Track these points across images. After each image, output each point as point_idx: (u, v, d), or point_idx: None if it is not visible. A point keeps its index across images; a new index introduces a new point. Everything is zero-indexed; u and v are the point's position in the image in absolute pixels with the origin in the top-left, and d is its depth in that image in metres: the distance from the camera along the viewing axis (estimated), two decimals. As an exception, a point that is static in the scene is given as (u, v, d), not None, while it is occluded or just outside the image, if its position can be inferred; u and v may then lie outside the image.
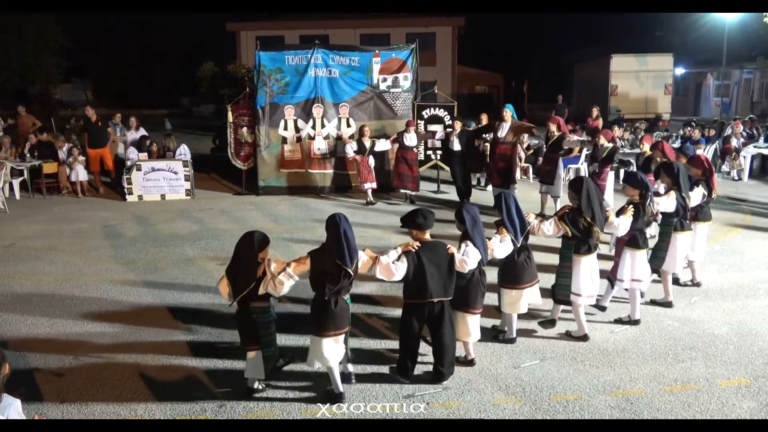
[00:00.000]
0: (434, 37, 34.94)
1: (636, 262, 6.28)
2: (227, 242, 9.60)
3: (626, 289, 6.47)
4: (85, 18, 35.78)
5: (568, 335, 6.13)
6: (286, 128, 13.03)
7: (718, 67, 29.44)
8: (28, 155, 13.40)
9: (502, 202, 5.69)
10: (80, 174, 13.25)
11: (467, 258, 5.13)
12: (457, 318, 5.36)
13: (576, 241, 5.82)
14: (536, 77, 49.57)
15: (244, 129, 13.23)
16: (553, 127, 10.62)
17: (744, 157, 14.85)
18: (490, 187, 12.29)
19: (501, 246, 5.54)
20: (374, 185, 12.26)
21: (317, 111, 13.00)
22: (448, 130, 12.45)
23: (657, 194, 6.81)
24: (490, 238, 5.50)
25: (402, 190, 12.33)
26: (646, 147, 9.25)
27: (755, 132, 16.47)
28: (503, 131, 11.25)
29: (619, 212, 6.02)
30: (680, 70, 33.14)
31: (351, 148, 12.16)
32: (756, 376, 5.33)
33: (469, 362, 5.56)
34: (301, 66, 12.92)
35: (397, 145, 12.17)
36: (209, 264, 8.56)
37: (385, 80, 13.16)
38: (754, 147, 15.34)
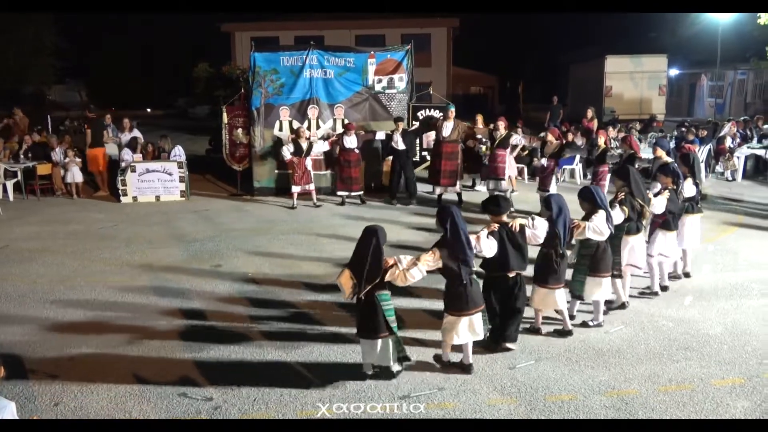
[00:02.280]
0: (429, 38, 34.92)
1: (666, 241, 7.16)
2: (222, 243, 9.59)
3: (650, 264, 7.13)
4: (80, 19, 35.63)
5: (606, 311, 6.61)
6: (281, 129, 13.01)
7: (711, 68, 29.53)
8: (22, 157, 13.35)
9: (594, 193, 6.13)
10: (75, 175, 13.20)
11: (536, 231, 5.67)
12: (536, 291, 6.07)
13: (628, 222, 6.48)
14: (531, 78, 49.60)
15: (239, 130, 13.20)
16: (501, 126, 11.59)
17: (738, 157, 14.91)
18: (445, 188, 11.86)
19: (599, 220, 5.95)
20: (310, 187, 12.07)
21: (312, 112, 12.98)
22: (390, 130, 12.35)
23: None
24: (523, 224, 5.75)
25: (344, 193, 12.25)
26: (601, 141, 10.64)
27: (748, 133, 16.52)
28: (447, 130, 11.64)
29: (656, 195, 6.91)
30: (674, 71, 33.22)
31: (288, 150, 11.93)
32: (750, 375, 5.35)
33: (568, 332, 6.13)
34: (296, 67, 12.91)
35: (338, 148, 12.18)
36: (204, 265, 8.54)
37: (380, 81, 13.15)
38: (748, 147, 15.40)
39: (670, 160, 8.56)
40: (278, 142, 12.72)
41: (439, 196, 11.92)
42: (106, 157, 13.82)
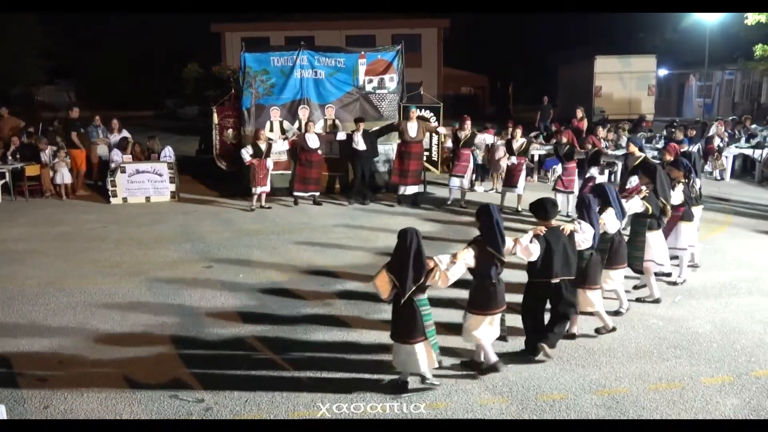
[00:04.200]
0: (420, 38, 34.97)
1: (689, 231, 7.55)
2: (212, 245, 9.55)
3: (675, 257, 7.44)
4: (68, 19, 35.39)
5: (639, 300, 6.96)
6: (272, 130, 12.97)
7: (700, 69, 29.76)
8: (10, 158, 13.24)
9: (606, 190, 6.30)
10: (65, 176, 13.10)
11: (585, 234, 5.64)
12: (579, 294, 5.94)
13: (650, 218, 6.75)
14: (521, 79, 49.78)
15: (230, 131, 13.16)
16: (467, 126, 11.91)
17: (726, 157, 15.02)
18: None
19: (612, 220, 6.16)
20: (267, 189, 12.02)
21: (303, 112, 12.95)
22: (351, 131, 12.32)
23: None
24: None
25: (301, 194, 12.19)
26: (564, 139, 11.42)
27: (736, 132, 16.66)
28: (413, 131, 11.80)
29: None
30: (663, 72, 33.43)
31: (247, 153, 11.80)
32: (739, 373, 5.39)
33: (571, 336, 6.06)
34: (287, 67, 12.89)
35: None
36: (194, 267, 8.51)
37: (371, 81, 13.16)
38: (736, 147, 15.52)
39: (642, 155, 9.26)
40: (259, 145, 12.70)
41: (401, 195, 12.07)
42: (90, 158, 13.79)
